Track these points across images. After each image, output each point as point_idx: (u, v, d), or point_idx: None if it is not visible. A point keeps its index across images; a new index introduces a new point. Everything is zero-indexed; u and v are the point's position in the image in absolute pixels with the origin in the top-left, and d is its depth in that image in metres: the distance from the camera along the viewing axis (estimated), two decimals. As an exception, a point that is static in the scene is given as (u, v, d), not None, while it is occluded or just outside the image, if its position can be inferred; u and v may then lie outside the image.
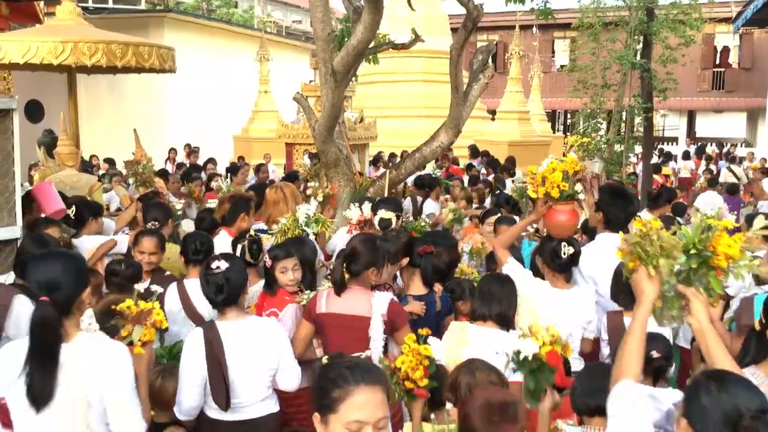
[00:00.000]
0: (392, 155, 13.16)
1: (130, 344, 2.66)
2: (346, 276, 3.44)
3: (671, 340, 3.59)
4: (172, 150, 15.93)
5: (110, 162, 12.51)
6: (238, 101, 18.48)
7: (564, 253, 3.73)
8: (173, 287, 3.99)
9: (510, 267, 3.90)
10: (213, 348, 3.05)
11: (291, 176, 7.82)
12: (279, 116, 11.57)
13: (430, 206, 8.10)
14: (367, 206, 4.96)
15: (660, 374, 3.11)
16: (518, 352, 2.76)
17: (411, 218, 6.88)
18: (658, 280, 2.18)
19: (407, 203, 8.08)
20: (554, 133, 25.00)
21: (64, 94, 9.37)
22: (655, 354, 2.99)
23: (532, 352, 2.72)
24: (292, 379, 3.21)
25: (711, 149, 23.89)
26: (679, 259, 2.18)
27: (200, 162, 14.32)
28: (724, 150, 24.09)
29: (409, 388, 2.83)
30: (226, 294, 3.10)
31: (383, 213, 4.82)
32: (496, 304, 3.39)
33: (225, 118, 18.55)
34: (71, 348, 2.39)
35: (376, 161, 12.28)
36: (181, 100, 18.20)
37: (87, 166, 10.24)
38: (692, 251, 2.17)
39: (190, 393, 3.08)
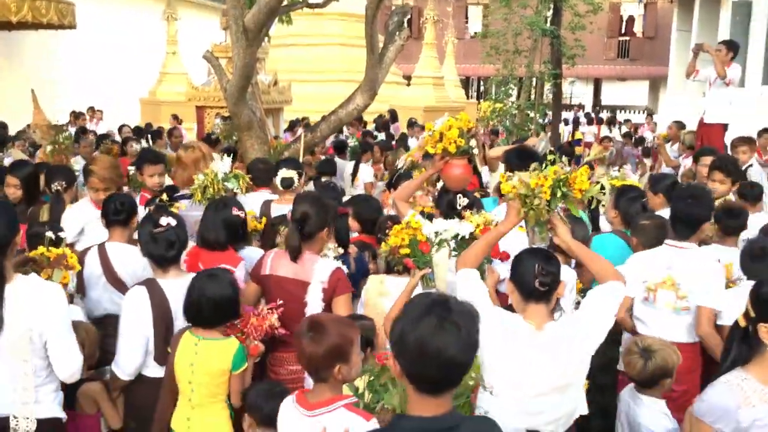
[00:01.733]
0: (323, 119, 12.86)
1: None
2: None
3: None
4: (72, 113, 15.14)
5: (2, 126, 11.77)
6: (145, 63, 17.74)
7: (459, 204, 4.03)
8: (94, 251, 3.74)
9: None
10: (160, 307, 3.00)
11: (208, 140, 7.55)
12: (188, 78, 11.12)
13: (366, 172, 7.96)
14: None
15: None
16: (456, 235, 3.20)
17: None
18: (522, 219, 2.76)
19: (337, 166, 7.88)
20: (468, 99, 25.38)
21: (-49, 52, 8.78)
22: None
23: (468, 232, 3.21)
24: None
25: (604, 116, 24.92)
26: (543, 217, 2.71)
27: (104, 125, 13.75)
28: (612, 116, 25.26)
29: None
30: (176, 250, 3.10)
31: (284, 172, 4.76)
32: None
33: (131, 80, 17.78)
34: (11, 288, 2.52)
35: (293, 126, 12.04)
36: (82, 60, 17.28)
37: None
38: (558, 191, 2.67)
39: (134, 352, 3.03)
